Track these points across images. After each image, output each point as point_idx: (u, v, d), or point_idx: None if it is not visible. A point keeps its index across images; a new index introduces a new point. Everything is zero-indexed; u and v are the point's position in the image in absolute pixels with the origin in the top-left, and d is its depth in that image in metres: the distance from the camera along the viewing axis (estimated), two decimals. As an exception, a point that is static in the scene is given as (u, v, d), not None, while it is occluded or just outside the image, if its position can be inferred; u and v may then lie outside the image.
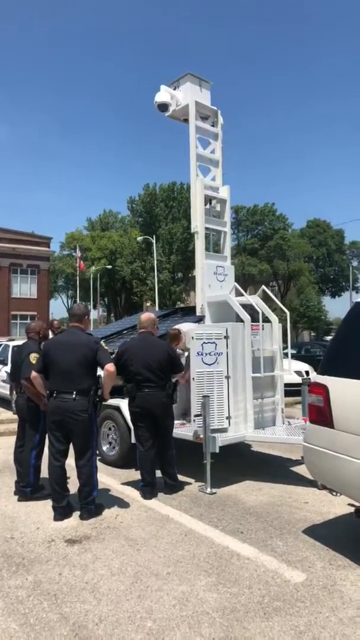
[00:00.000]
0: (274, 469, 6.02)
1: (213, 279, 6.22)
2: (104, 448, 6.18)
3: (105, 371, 4.27)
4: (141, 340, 5.02)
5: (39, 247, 42.59)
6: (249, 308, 5.86)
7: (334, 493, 3.78)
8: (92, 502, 4.37)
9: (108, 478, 5.59)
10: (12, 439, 7.58)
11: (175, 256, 46.94)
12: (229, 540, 3.90)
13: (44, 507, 4.60)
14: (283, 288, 58.22)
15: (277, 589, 3.15)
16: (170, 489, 5.03)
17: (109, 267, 48.83)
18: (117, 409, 5.99)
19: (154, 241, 40.03)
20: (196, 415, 5.19)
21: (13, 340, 13.62)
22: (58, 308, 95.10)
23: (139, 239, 42.81)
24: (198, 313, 6.22)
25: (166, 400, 4.95)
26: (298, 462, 6.27)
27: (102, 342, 4.66)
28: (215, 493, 5.03)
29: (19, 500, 4.82)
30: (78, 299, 47.97)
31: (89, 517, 4.31)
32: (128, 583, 3.22)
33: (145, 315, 5.19)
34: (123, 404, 5.76)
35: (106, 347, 5.08)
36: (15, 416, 9.22)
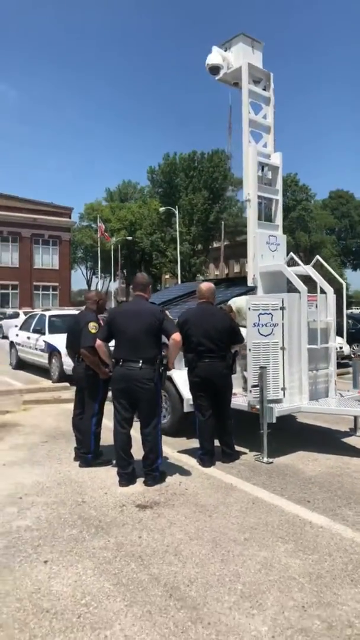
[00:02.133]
0: (324, 440, 6.02)
1: (265, 249, 6.11)
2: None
3: (172, 340, 4.27)
4: (202, 310, 4.98)
5: (60, 217, 42.49)
6: (303, 278, 5.77)
7: None
8: (157, 469, 4.43)
9: (163, 446, 5.64)
10: (61, 407, 7.76)
11: (196, 227, 46.43)
12: (297, 508, 3.93)
13: (107, 473, 4.68)
14: (305, 261, 57.45)
15: (358, 557, 3.17)
16: (228, 457, 5.08)
17: (129, 238, 48.57)
18: (169, 378, 6.00)
19: (176, 212, 39.59)
20: (253, 386, 5.18)
21: (48, 310, 13.67)
22: (78, 280, 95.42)
23: (161, 209, 42.36)
24: (250, 283, 6.14)
25: (226, 371, 4.95)
26: (347, 434, 6.29)
27: (167, 312, 4.64)
28: (272, 462, 5.06)
29: (80, 466, 4.90)
30: (99, 271, 48.05)
31: (153, 484, 4.38)
32: (208, 548, 3.27)
33: (206, 285, 5.14)
34: (175, 373, 5.78)
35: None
36: (57, 384, 9.47)
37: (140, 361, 4.25)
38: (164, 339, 4.41)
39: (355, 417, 6.22)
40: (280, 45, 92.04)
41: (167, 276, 55.09)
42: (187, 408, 5.74)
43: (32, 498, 4.09)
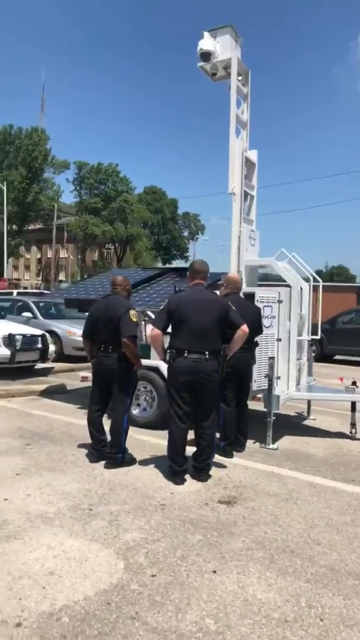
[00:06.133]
0: (289, 424, 6.47)
1: (248, 244, 6.29)
2: (135, 411, 5.90)
3: (241, 331, 4.17)
4: (234, 300, 4.93)
5: None
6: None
7: None
8: (210, 464, 4.29)
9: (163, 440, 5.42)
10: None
11: (12, 207, 43.68)
12: (353, 488, 4.25)
13: (143, 472, 4.37)
14: (120, 251, 58.74)
15: None
16: (242, 446, 5.15)
17: None
18: (155, 369, 5.76)
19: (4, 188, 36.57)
20: (265, 376, 5.33)
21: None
22: None
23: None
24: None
25: (252, 361, 5.01)
26: (301, 418, 6.88)
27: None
28: (277, 448, 5.31)
29: (107, 467, 4.43)
30: None
31: (207, 479, 4.23)
32: (334, 533, 3.37)
33: (236, 275, 5.09)
34: (162, 364, 5.59)
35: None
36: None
37: (207, 352, 4.06)
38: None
39: (309, 402, 6.84)
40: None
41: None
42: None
43: (104, 508, 3.59)
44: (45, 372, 9.87)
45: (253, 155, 6.61)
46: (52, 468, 4.38)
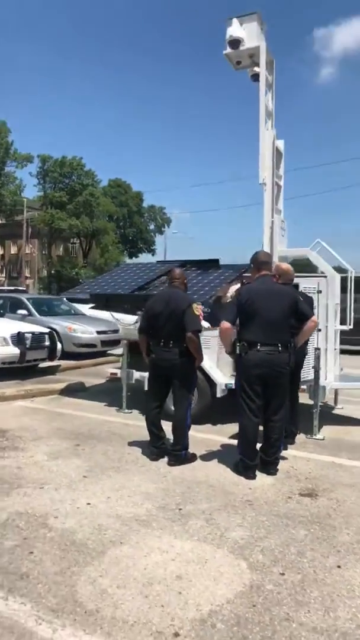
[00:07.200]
0: (322, 414, 6.47)
1: (279, 234, 6.25)
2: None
3: (311, 322, 4.14)
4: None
5: None
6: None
7: None
8: (278, 458, 4.26)
9: (209, 435, 5.36)
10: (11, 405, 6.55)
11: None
12: None
13: (210, 468, 4.31)
14: (86, 245, 57.95)
15: None
16: (294, 437, 5.12)
17: None
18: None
19: None
20: (312, 367, 5.32)
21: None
22: None
23: None
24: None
25: (307, 352, 5.02)
26: (330, 407, 6.93)
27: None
28: (324, 439, 5.32)
29: (171, 464, 4.33)
30: None
31: (276, 472, 4.19)
32: None
33: (287, 266, 5.01)
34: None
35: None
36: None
37: (279, 344, 4.00)
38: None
39: (336, 391, 6.89)
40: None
41: None
42: (219, 393, 5.59)
43: (193, 507, 3.49)
44: (52, 370, 9.62)
45: (281, 145, 6.56)
46: (116, 468, 4.25)
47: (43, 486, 3.81)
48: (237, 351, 4.09)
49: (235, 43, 6.12)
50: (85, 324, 11.70)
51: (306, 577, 2.64)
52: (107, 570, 2.66)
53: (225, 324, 4.07)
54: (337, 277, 6.39)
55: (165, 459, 4.44)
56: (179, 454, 4.36)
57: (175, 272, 4.61)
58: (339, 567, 2.76)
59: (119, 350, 12.34)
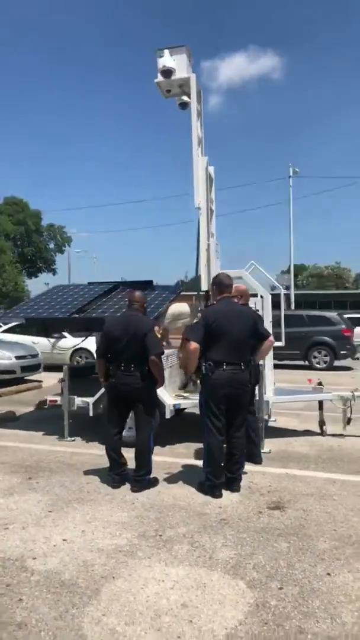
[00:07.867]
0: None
1: (214, 257, 6.48)
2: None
3: (268, 342, 4.33)
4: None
5: None
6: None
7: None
8: (241, 474, 4.37)
9: (163, 457, 5.34)
10: None
11: None
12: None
13: (175, 490, 4.30)
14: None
15: None
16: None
17: None
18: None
19: None
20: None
21: None
22: None
23: None
24: (204, 289, 6.34)
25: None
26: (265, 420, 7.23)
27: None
28: (270, 451, 5.54)
29: (135, 490, 4.25)
30: None
31: (239, 488, 4.29)
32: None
33: (245, 287, 5.19)
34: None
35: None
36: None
37: (242, 364, 4.15)
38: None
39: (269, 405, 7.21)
40: None
41: None
42: (168, 414, 5.63)
43: (172, 532, 3.47)
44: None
45: (212, 170, 6.84)
46: (80, 500, 4.09)
47: (8, 526, 3.56)
48: (204, 371, 4.16)
49: (168, 73, 6.33)
50: (2, 349, 11.10)
51: (303, 589, 2.74)
52: (108, 608, 2.56)
53: (194, 344, 4.12)
54: (269, 296, 6.75)
55: (128, 486, 4.36)
56: (142, 479, 4.30)
57: (135, 295, 4.59)
58: (329, 574, 2.90)
59: (37, 376, 12.03)
